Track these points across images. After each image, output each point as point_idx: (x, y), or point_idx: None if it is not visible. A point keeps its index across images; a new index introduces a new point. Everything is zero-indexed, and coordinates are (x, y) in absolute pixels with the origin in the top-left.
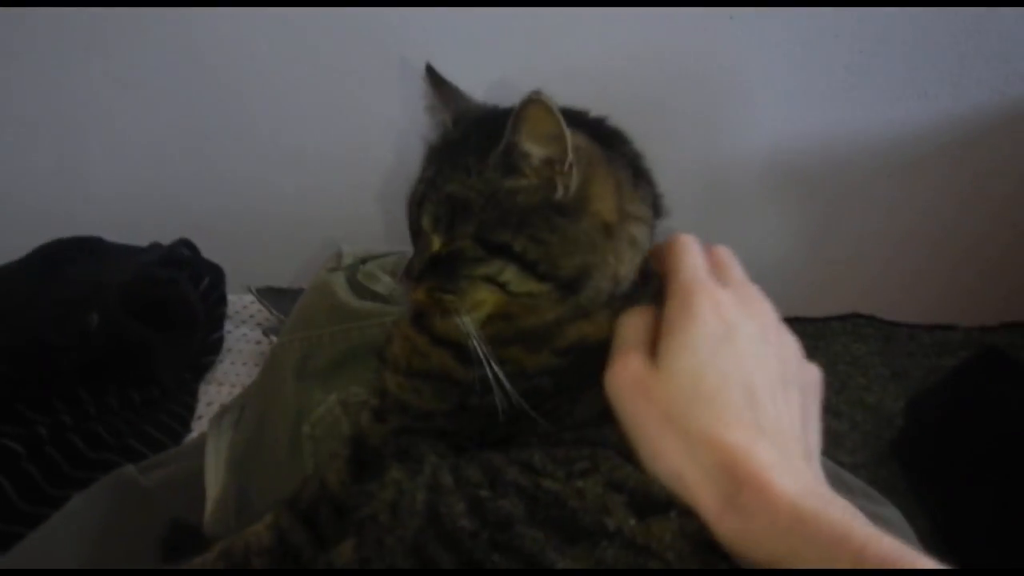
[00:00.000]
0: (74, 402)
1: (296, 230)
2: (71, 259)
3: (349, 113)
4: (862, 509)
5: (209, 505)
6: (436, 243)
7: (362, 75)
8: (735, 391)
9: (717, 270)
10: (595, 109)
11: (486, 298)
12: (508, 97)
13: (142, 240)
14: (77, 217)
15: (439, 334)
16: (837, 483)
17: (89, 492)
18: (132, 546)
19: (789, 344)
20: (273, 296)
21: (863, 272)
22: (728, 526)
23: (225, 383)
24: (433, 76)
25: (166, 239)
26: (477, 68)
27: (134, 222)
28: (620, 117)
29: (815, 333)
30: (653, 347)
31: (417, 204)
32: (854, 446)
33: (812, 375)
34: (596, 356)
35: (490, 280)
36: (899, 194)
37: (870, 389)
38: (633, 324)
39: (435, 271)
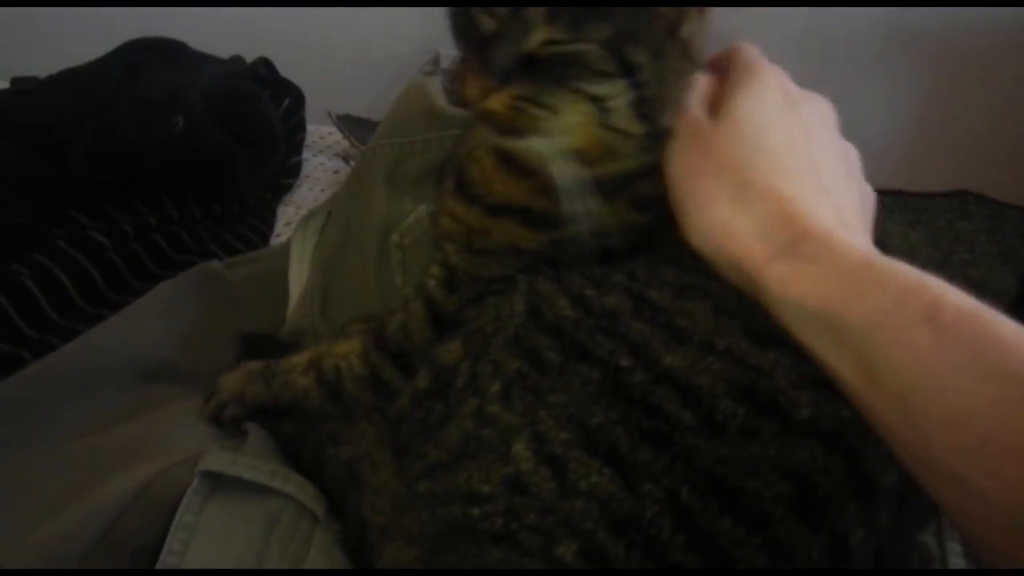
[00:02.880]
0: (158, 207)
1: (374, 60)
2: (152, 61)
3: None
4: None
5: (292, 302)
6: (539, 35)
7: None
8: (799, 156)
9: None
10: None
11: (578, 123)
12: None
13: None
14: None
15: (507, 151)
16: None
17: (176, 279)
18: (212, 331)
19: (851, 148)
20: (351, 124)
21: (973, 150)
22: (778, 270)
23: (303, 206)
24: None
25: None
26: None
27: (210, 45)
28: None
29: (917, 207)
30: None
31: None
32: None
33: (869, 192)
34: None
35: (598, 102)
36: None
37: (976, 265)
38: (696, 88)
39: (528, 74)
